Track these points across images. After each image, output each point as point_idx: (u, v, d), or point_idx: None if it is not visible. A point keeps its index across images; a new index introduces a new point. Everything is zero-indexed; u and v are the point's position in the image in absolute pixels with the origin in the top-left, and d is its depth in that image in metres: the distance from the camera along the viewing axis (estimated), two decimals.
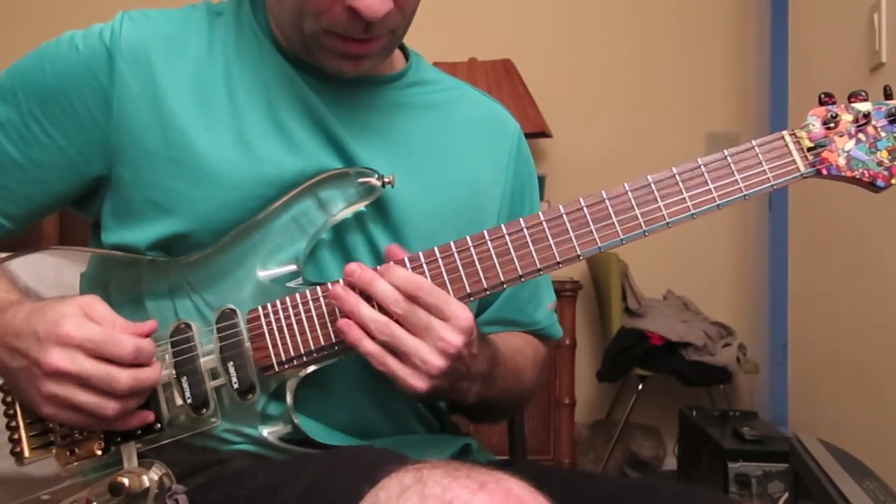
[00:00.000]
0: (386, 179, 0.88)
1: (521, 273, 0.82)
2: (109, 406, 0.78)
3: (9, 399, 0.86)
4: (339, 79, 0.92)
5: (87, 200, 0.93)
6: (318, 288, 0.84)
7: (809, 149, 0.83)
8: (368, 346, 0.80)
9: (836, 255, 2.30)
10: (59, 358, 0.77)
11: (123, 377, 0.78)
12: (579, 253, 0.82)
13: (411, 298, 0.79)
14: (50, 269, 0.92)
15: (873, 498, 1.21)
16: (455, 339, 0.78)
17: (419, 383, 0.79)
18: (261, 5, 0.94)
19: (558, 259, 0.82)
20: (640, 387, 2.75)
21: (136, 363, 0.79)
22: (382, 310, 0.80)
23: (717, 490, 2.17)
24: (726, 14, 3.09)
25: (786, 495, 1.94)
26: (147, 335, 0.81)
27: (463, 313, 0.79)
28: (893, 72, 1.92)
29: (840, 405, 2.26)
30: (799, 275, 2.61)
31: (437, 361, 0.78)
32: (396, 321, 0.79)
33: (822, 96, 0.85)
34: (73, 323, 0.77)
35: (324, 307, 0.84)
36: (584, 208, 0.82)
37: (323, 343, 0.84)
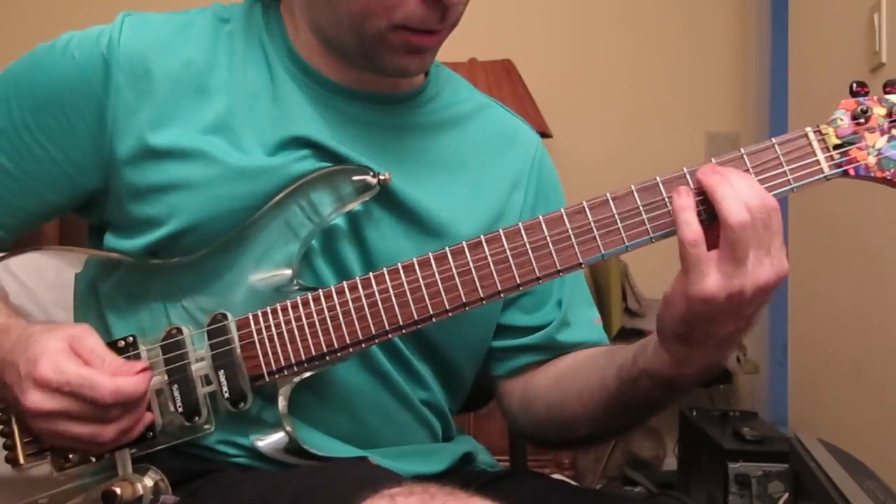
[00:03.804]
0: (381, 177, 0.85)
1: (519, 282, 0.78)
2: (105, 432, 0.78)
3: (2, 406, 0.86)
4: (354, 96, 0.89)
5: (88, 207, 0.91)
6: (310, 294, 0.82)
7: (836, 146, 0.75)
8: (691, 217, 0.72)
9: (836, 254, 2.29)
10: (38, 400, 0.76)
11: (107, 393, 0.76)
12: (581, 260, 0.77)
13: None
14: (50, 270, 0.91)
15: (873, 498, 1.21)
16: (785, 264, 0.72)
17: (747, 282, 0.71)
18: (275, 13, 0.91)
19: (559, 267, 0.78)
20: None
21: (116, 402, 0.77)
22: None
23: (717, 490, 2.17)
24: (726, 14, 3.08)
25: (786, 495, 1.93)
26: (138, 373, 0.79)
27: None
28: (893, 72, 1.91)
29: (840, 405, 2.26)
30: (799, 275, 2.60)
31: (768, 271, 0.71)
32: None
33: (854, 85, 0.76)
34: (51, 364, 0.76)
35: (315, 315, 0.82)
36: (588, 211, 0.77)
37: (314, 353, 0.81)
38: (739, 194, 0.71)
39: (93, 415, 0.77)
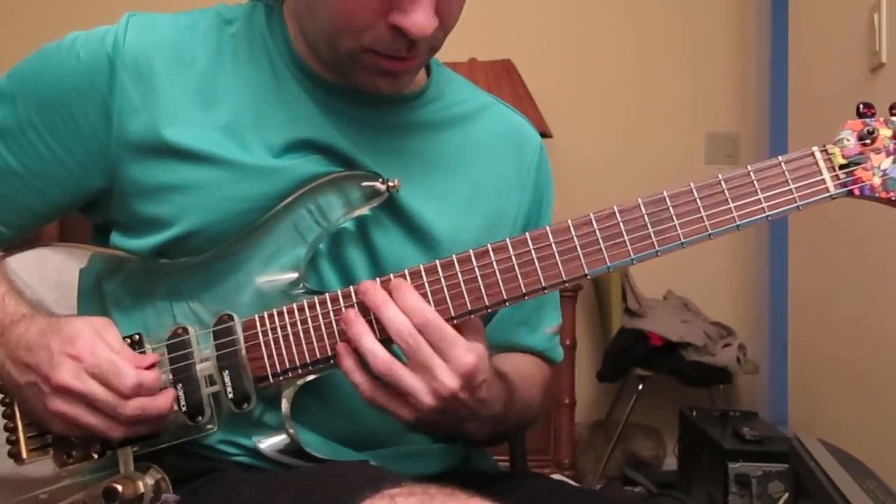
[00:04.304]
0: (391, 184, 0.85)
1: (524, 291, 0.78)
2: (115, 430, 0.79)
3: (7, 400, 0.86)
4: (356, 97, 0.89)
5: (93, 207, 0.91)
6: (316, 298, 0.82)
7: (842, 166, 0.76)
8: (359, 378, 0.78)
9: (836, 255, 2.30)
10: (68, 375, 0.77)
11: (129, 407, 0.78)
12: (587, 272, 0.77)
13: (420, 330, 0.76)
14: (51, 269, 0.91)
15: (873, 498, 1.21)
16: (450, 383, 0.75)
17: (406, 414, 0.77)
18: (277, 14, 0.91)
19: (564, 278, 0.78)
20: (641, 387, 2.74)
21: (136, 395, 0.78)
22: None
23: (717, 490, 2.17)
24: (726, 14, 3.09)
25: (786, 495, 1.93)
26: (150, 367, 0.80)
27: (466, 358, 0.76)
28: (893, 72, 1.92)
29: (840, 405, 2.26)
30: (799, 275, 2.61)
31: (428, 400, 0.76)
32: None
33: (861, 107, 0.77)
34: (88, 343, 0.78)
35: (321, 319, 0.81)
36: (594, 221, 0.77)
37: (318, 356, 0.81)
38: (402, 317, 0.77)
39: (109, 409, 0.77)
